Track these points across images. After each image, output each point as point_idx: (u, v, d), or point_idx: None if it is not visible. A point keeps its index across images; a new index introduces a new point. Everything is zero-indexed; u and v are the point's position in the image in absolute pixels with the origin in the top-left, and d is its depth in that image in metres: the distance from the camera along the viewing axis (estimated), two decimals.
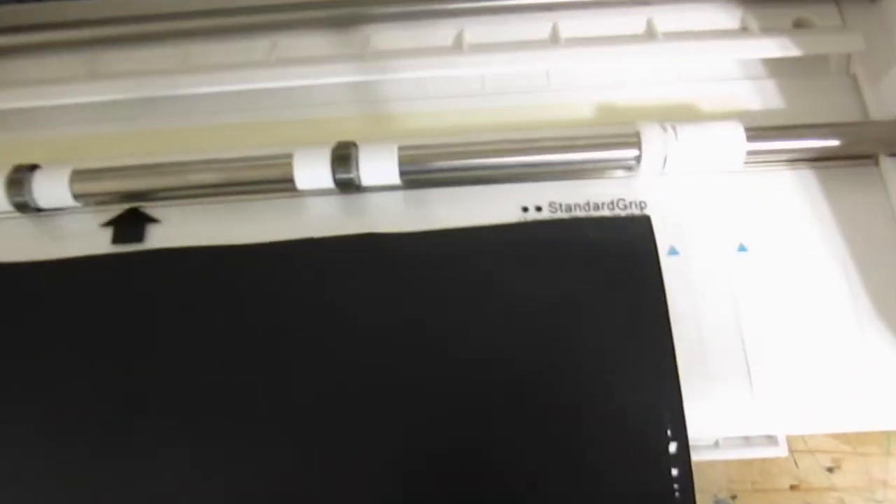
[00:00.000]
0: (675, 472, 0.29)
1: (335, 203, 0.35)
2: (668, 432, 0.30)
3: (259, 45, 0.39)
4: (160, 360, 0.32)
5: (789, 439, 0.35)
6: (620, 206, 0.35)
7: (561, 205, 0.35)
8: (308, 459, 0.30)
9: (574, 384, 0.31)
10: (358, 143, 0.34)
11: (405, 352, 0.32)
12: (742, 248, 0.34)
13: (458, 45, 0.38)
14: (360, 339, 0.32)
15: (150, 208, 0.35)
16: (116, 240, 0.34)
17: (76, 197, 0.34)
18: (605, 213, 0.34)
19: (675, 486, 0.29)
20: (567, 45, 0.37)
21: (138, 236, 0.34)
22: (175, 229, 0.35)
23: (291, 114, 0.38)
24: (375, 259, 0.34)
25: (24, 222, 0.36)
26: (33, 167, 0.34)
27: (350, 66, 0.37)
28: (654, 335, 0.31)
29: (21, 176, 0.34)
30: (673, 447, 0.29)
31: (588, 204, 0.35)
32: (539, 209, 0.35)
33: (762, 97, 0.37)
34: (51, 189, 0.34)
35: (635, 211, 0.34)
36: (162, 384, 0.31)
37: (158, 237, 0.35)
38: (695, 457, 0.31)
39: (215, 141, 0.38)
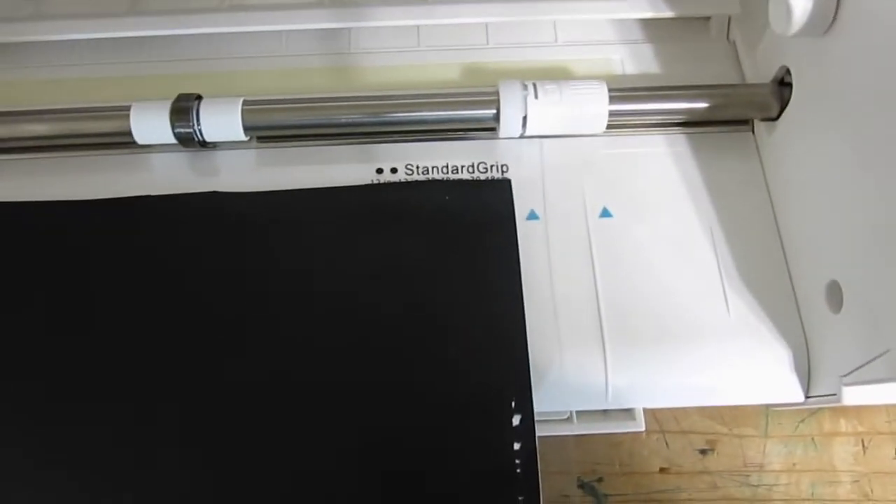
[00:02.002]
0: (517, 446, 0.27)
1: (182, 160, 0.34)
2: (513, 404, 0.28)
3: None
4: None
5: (661, 419, 0.34)
6: (481, 168, 0.33)
7: (418, 167, 0.33)
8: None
9: (420, 348, 0.29)
10: (203, 95, 0.32)
11: (248, 319, 0.30)
12: (606, 214, 0.32)
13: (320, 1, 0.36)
14: (202, 304, 0.30)
15: None
16: None
17: None
18: (465, 175, 0.33)
19: (518, 460, 0.27)
20: (437, 2, 0.35)
21: None
22: (9, 183, 0.33)
23: (147, 69, 0.36)
24: (219, 219, 0.32)
25: None
26: None
27: (215, 17, 0.35)
28: (504, 303, 0.30)
29: None
30: (516, 419, 0.28)
31: (447, 166, 0.33)
32: (394, 171, 0.33)
33: (639, 62, 0.36)
34: None
35: (496, 174, 0.33)
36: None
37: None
38: (547, 431, 0.29)
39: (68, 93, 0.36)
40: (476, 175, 0.33)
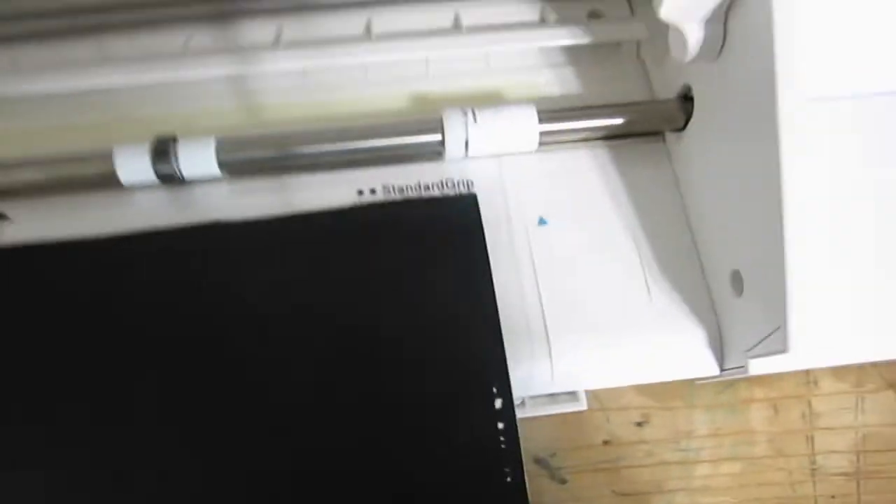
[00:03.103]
0: (500, 425, 0.32)
1: (162, 196, 0.37)
2: (495, 390, 0.32)
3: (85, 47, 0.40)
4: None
5: (602, 399, 0.38)
6: (449, 185, 0.37)
7: (394, 187, 0.37)
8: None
9: (410, 350, 0.33)
10: (178, 136, 0.35)
11: (241, 338, 0.33)
12: (542, 222, 0.36)
13: (276, 42, 0.39)
14: (200, 326, 0.33)
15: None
16: None
17: None
18: (435, 192, 0.37)
19: (502, 437, 0.31)
20: (380, 40, 0.39)
21: None
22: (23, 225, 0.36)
23: (115, 114, 0.39)
24: (208, 248, 0.35)
25: None
26: None
27: (179, 62, 0.39)
28: (481, 304, 0.34)
29: None
30: (498, 403, 0.32)
31: (419, 185, 0.37)
32: (374, 192, 0.37)
33: (562, 84, 0.40)
34: None
35: (463, 189, 0.37)
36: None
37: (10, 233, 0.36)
38: None
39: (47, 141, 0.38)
40: (445, 191, 0.37)
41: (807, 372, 0.38)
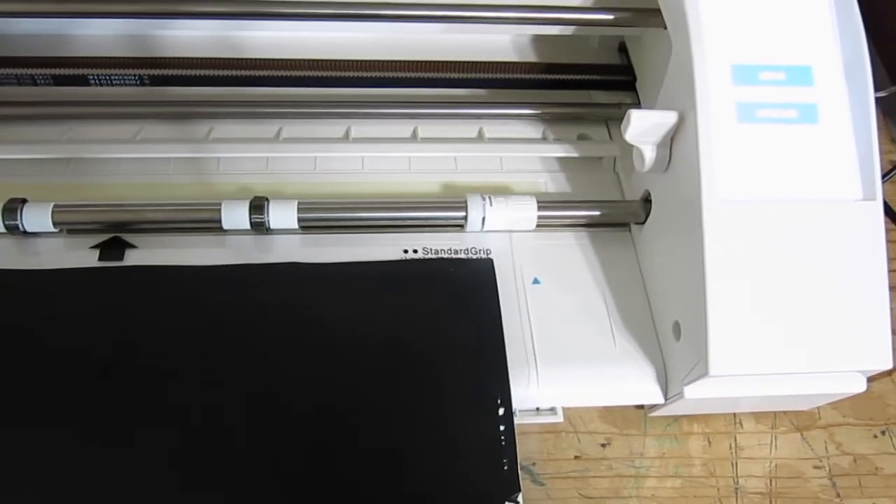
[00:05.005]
0: (502, 427, 0.41)
1: (251, 241, 0.48)
2: (499, 401, 0.41)
3: (201, 129, 0.53)
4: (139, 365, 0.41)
5: (575, 423, 0.48)
6: (473, 251, 0.49)
7: (431, 249, 0.49)
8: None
9: (437, 368, 0.42)
10: (269, 198, 0.48)
11: (305, 352, 0.43)
12: (536, 281, 0.48)
13: (346, 137, 0.53)
14: (299, 347, 0.43)
15: (129, 237, 0.47)
16: (102, 258, 0.46)
17: (55, 224, 0.46)
18: (462, 255, 0.49)
19: (502, 437, 0.41)
20: (423, 142, 0.53)
21: (119, 257, 0.46)
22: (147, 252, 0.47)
23: (224, 178, 0.52)
24: (284, 281, 0.46)
25: (21, 243, 0.47)
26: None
27: (268, 146, 0.52)
28: (493, 337, 0.44)
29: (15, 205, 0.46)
30: (501, 411, 0.41)
31: (450, 249, 0.49)
32: (416, 251, 0.48)
33: (557, 184, 0.53)
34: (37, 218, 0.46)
35: (482, 255, 0.49)
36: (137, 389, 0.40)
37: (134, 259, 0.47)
38: None
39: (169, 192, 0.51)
40: (469, 255, 0.48)
41: (734, 415, 0.49)
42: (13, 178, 0.50)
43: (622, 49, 0.58)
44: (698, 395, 0.42)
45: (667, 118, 0.42)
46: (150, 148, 0.51)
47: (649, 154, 0.45)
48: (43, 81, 0.52)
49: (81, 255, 0.46)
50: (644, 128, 0.43)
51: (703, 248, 0.39)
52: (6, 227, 0.45)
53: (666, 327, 0.45)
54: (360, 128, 0.54)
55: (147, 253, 0.47)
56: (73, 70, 0.52)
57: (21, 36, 0.53)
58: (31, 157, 0.50)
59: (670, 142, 0.44)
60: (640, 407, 0.48)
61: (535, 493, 0.46)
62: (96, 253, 0.46)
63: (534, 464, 0.47)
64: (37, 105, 0.51)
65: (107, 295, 0.44)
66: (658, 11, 0.45)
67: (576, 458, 0.47)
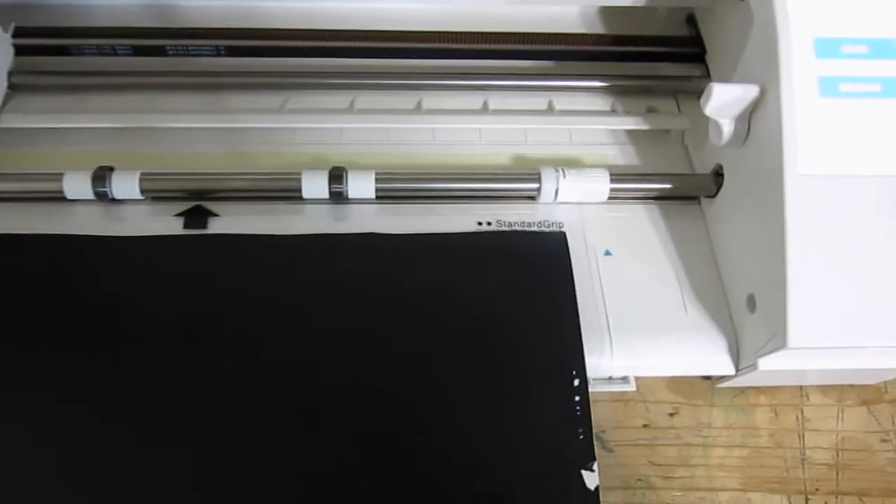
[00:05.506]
0: (577, 398, 0.42)
1: (328, 209, 0.49)
2: (574, 372, 0.42)
3: (276, 100, 0.54)
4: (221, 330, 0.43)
5: (644, 393, 0.49)
6: (545, 224, 0.50)
7: (504, 221, 0.49)
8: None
9: (516, 338, 0.44)
10: (347, 168, 0.49)
11: (387, 313, 0.44)
12: (608, 253, 0.49)
13: (417, 109, 0.54)
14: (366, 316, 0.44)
15: (210, 205, 0.49)
16: (187, 226, 0.47)
17: (142, 191, 0.47)
18: (535, 228, 0.49)
19: (577, 407, 0.42)
20: (494, 114, 0.53)
21: (203, 225, 0.47)
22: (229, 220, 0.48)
23: (300, 149, 0.53)
24: (362, 252, 0.47)
25: (109, 210, 0.48)
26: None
27: (347, 117, 0.53)
28: (567, 309, 0.45)
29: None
30: (576, 382, 0.42)
31: (522, 222, 0.49)
32: (490, 223, 0.49)
33: (626, 157, 0.53)
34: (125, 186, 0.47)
35: (555, 227, 0.49)
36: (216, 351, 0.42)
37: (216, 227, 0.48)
38: None
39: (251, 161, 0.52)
40: (542, 228, 0.49)
41: (801, 388, 0.50)
42: (94, 146, 0.52)
43: (690, 21, 0.58)
44: (772, 366, 0.43)
45: (748, 92, 0.42)
46: (228, 118, 0.52)
47: (727, 128, 0.45)
48: (123, 52, 0.53)
49: (166, 221, 0.48)
50: (724, 101, 0.43)
51: (783, 222, 0.40)
52: (96, 194, 0.47)
53: (739, 299, 0.45)
54: (431, 100, 0.54)
55: (229, 220, 0.48)
56: (153, 41, 0.53)
57: (102, 6, 0.54)
58: (116, 126, 0.51)
59: (748, 115, 0.44)
60: (708, 378, 0.49)
61: (605, 459, 0.47)
62: (180, 221, 0.48)
63: (603, 431, 0.48)
64: (118, 75, 0.53)
65: (192, 262, 0.46)
66: None
67: (644, 426, 0.48)
